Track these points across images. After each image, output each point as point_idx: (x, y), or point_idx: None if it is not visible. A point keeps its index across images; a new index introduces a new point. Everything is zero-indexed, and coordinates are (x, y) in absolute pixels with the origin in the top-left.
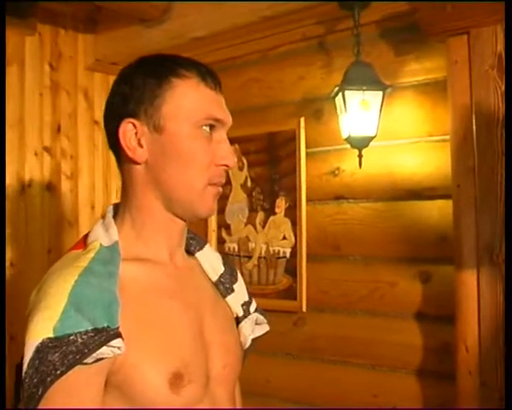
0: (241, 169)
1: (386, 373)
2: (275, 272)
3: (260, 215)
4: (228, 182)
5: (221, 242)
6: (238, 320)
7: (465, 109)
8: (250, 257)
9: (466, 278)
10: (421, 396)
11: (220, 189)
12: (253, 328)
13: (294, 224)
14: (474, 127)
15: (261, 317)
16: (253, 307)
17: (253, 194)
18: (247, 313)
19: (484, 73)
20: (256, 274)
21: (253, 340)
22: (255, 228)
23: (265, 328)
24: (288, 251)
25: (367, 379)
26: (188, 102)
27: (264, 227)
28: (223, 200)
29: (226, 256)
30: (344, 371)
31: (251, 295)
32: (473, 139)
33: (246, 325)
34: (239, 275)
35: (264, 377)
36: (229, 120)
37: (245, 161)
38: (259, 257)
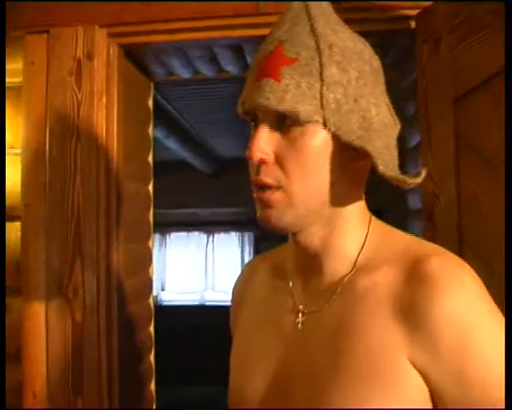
0: None
1: None
2: None
3: None
4: None
5: None
6: None
7: (40, 118)
8: None
9: (34, 312)
10: None
11: None
12: None
13: None
14: (47, 139)
15: None
16: None
17: None
18: None
19: (61, 78)
20: None
21: None
22: None
23: None
24: None
25: None
26: None
27: None
28: None
29: None
30: None
31: None
32: (45, 153)
33: None
34: None
35: None
36: None
37: None
38: None
